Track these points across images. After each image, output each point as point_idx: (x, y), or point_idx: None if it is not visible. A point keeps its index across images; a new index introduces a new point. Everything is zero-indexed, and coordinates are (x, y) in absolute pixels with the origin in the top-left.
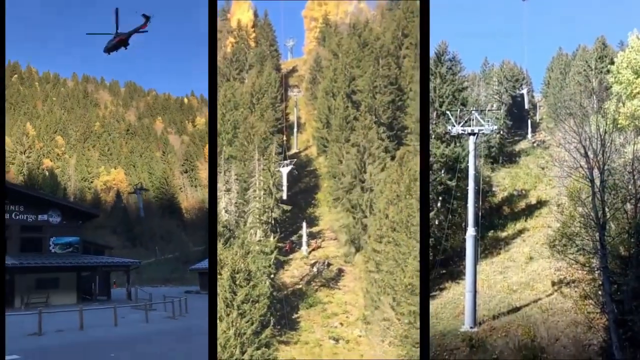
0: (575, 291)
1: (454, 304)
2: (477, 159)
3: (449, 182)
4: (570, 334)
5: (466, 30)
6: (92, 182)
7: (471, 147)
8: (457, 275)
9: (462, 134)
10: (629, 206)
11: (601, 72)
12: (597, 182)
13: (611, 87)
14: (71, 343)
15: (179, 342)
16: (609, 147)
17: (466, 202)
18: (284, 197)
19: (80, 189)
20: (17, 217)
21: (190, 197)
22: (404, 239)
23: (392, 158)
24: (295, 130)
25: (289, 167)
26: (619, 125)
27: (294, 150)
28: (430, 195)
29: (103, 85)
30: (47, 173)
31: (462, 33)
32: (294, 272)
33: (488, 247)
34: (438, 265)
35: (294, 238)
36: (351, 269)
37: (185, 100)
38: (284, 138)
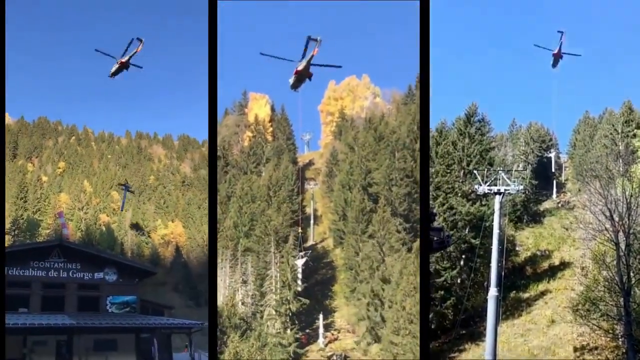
0: (598, 359)
1: None
2: (501, 218)
3: (472, 241)
4: None
5: (497, 91)
6: (149, 236)
7: (497, 206)
8: (477, 336)
9: (488, 193)
10: None
11: (627, 135)
12: (623, 245)
13: (637, 151)
14: None
15: None
16: (635, 211)
17: (489, 261)
18: (299, 289)
19: (137, 243)
20: (74, 276)
21: None
22: None
23: (409, 250)
24: (311, 222)
25: (305, 259)
26: None
27: (310, 242)
28: (454, 253)
29: (156, 140)
30: (104, 228)
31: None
32: None
33: (509, 308)
34: (458, 325)
35: (310, 330)
36: None
37: None
38: (300, 230)
